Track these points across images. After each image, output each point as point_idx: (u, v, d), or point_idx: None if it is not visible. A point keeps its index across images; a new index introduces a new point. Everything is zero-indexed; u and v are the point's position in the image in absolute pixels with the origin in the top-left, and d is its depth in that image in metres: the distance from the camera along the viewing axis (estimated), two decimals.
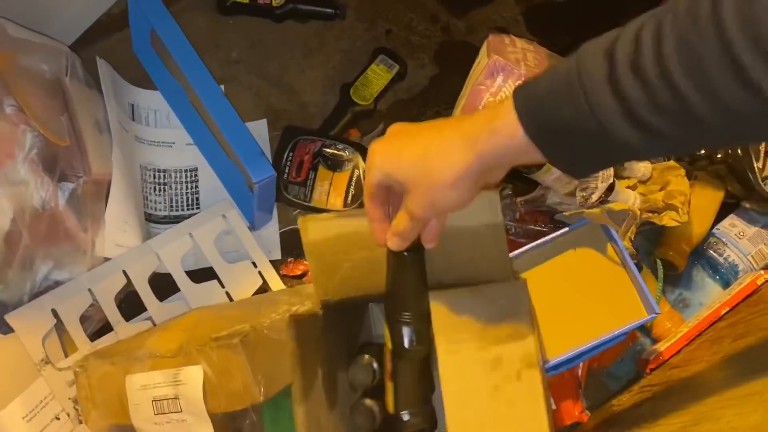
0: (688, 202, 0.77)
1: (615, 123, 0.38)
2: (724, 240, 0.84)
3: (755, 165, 0.80)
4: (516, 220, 0.80)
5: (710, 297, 0.83)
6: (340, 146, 0.84)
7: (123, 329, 0.73)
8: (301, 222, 0.56)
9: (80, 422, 0.68)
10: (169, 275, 0.76)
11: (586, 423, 0.75)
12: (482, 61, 0.78)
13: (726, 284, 0.83)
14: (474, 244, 0.55)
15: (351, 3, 0.94)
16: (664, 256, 0.82)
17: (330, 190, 0.83)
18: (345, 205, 0.83)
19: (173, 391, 0.62)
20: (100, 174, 0.74)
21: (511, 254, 0.72)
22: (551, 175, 0.70)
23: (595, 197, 0.72)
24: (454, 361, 0.52)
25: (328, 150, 0.84)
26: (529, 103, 0.41)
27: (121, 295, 0.74)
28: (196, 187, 0.84)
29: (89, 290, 0.72)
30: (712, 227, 0.85)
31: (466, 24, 0.96)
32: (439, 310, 0.53)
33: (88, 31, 0.86)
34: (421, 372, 0.54)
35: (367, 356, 0.61)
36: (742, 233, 0.83)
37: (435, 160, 0.44)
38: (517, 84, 0.43)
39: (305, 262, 0.81)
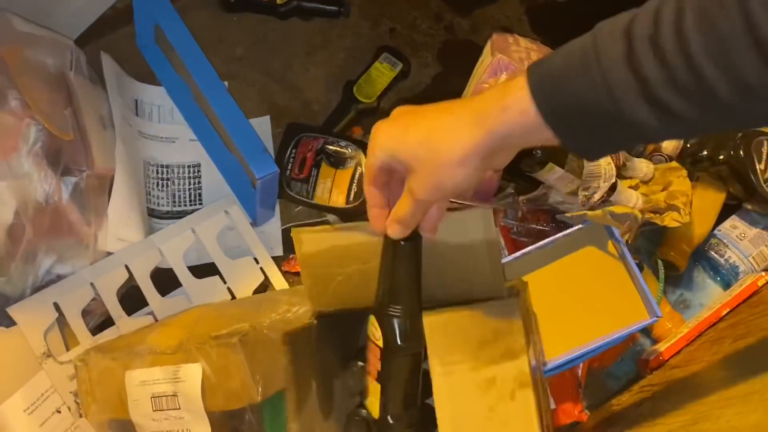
0: (690, 202, 0.77)
1: (631, 102, 0.37)
2: (725, 241, 0.84)
3: (757, 167, 0.80)
4: (518, 218, 0.80)
5: (711, 298, 0.83)
6: (343, 143, 0.84)
7: (124, 323, 0.73)
8: (295, 234, 0.56)
9: (81, 416, 0.68)
10: (171, 270, 0.76)
11: (586, 422, 0.75)
12: (486, 59, 0.78)
13: (727, 285, 0.83)
14: (468, 261, 0.54)
15: (355, 1, 0.95)
16: (665, 256, 0.82)
17: (332, 187, 0.83)
18: (347, 202, 0.83)
19: (172, 388, 0.62)
20: (103, 168, 0.74)
21: (514, 255, 0.72)
22: (554, 174, 0.71)
23: (597, 197, 0.72)
24: (449, 384, 0.52)
25: (331, 147, 0.84)
26: (542, 79, 0.40)
27: (123, 289, 0.75)
28: (199, 182, 0.84)
29: (91, 284, 0.72)
30: (714, 228, 0.85)
31: (469, 23, 0.96)
32: (432, 332, 0.52)
33: (93, 25, 0.87)
34: (412, 371, 0.53)
35: (360, 363, 0.59)
36: (743, 235, 0.84)
37: (442, 138, 0.43)
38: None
39: None
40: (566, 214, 0.75)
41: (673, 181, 0.78)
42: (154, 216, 0.82)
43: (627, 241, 0.72)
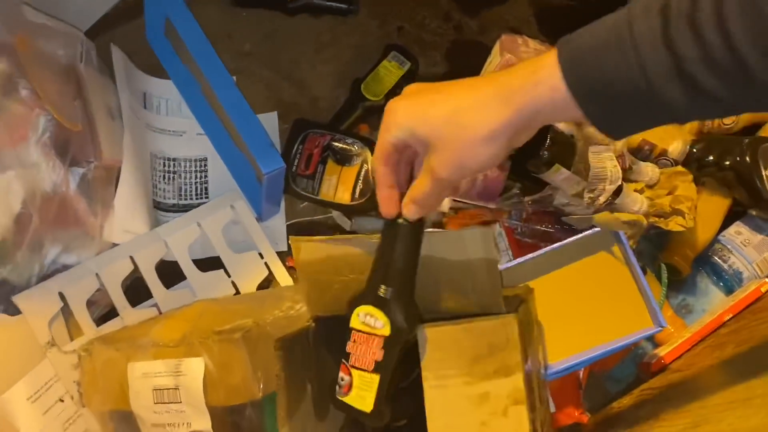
0: (695, 207, 0.77)
1: (664, 80, 0.37)
2: (729, 247, 0.84)
3: (763, 173, 0.80)
4: (522, 219, 0.80)
5: (713, 303, 0.83)
6: (349, 141, 0.84)
7: (128, 315, 0.73)
8: (293, 242, 0.56)
9: (84, 405, 0.69)
10: (175, 263, 0.77)
11: (586, 424, 0.75)
12: (495, 59, 0.78)
13: (729, 291, 0.83)
14: (466, 278, 0.54)
15: None
16: (668, 261, 0.82)
17: (338, 184, 0.83)
18: (352, 199, 0.83)
19: (174, 382, 0.62)
20: (111, 160, 0.74)
21: (521, 259, 0.72)
22: (560, 176, 0.71)
23: (602, 199, 0.72)
24: (441, 397, 0.52)
25: (337, 144, 0.84)
26: (574, 55, 0.39)
27: (127, 281, 0.75)
28: (205, 176, 0.85)
29: (96, 275, 0.72)
30: (718, 234, 0.85)
31: (478, 23, 0.96)
32: (426, 345, 0.52)
33: (103, 18, 0.87)
34: (407, 357, 0.52)
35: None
36: (747, 241, 0.84)
37: (468, 115, 0.41)
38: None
39: None
40: (571, 217, 0.75)
41: (679, 186, 0.78)
42: (160, 209, 0.82)
43: (631, 246, 0.73)
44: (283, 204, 0.84)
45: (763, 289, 0.78)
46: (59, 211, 0.69)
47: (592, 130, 0.73)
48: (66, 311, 0.71)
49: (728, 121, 0.87)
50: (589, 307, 0.72)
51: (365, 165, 0.84)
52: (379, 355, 0.50)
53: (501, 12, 0.97)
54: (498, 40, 0.80)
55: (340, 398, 0.52)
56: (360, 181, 0.83)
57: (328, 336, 0.60)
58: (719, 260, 0.84)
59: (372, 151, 0.83)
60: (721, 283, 0.84)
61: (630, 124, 0.42)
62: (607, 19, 0.40)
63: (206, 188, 0.84)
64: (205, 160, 0.85)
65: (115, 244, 0.74)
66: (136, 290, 0.76)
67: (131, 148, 0.77)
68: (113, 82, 0.80)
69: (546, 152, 0.69)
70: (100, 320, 0.73)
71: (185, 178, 0.84)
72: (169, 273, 0.76)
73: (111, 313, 0.74)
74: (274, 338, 0.57)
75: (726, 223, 0.85)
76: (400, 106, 0.45)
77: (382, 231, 0.50)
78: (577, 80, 0.39)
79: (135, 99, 0.83)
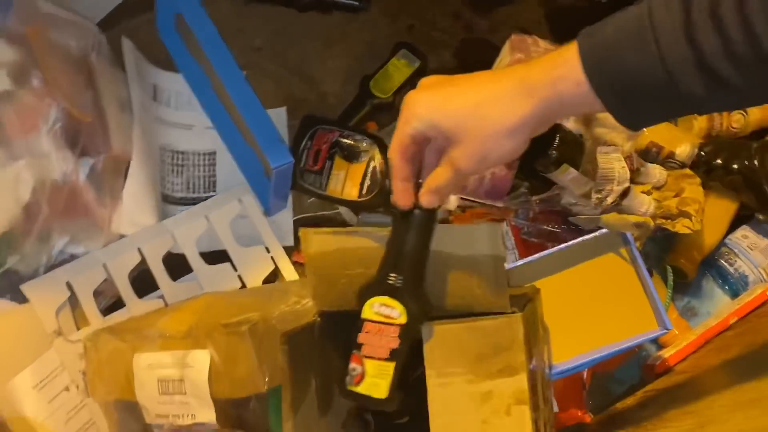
0: (702, 210, 0.77)
1: (685, 72, 0.37)
2: (735, 251, 0.84)
3: None
4: (529, 219, 0.80)
5: (718, 307, 0.83)
6: (357, 137, 0.84)
7: (135, 306, 0.73)
8: (303, 233, 0.56)
9: (89, 395, 0.69)
10: (182, 256, 0.77)
11: (589, 424, 0.75)
12: (504, 59, 0.78)
13: (735, 295, 0.83)
14: (472, 274, 0.54)
15: None
16: (674, 263, 0.82)
17: (345, 180, 0.83)
18: (359, 195, 0.83)
19: (179, 373, 0.62)
20: (120, 151, 0.74)
21: (529, 258, 0.72)
22: (568, 175, 0.71)
23: (610, 200, 0.72)
24: (444, 394, 0.52)
25: (345, 140, 0.84)
26: (595, 49, 0.40)
27: (134, 272, 0.75)
28: (214, 170, 0.85)
29: (104, 266, 0.73)
30: (724, 237, 0.85)
31: (488, 23, 0.96)
32: (431, 342, 0.53)
33: (115, 10, 0.87)
34: (418, 344, 0.53)
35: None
36: (753, 245, 0.84)
37: (492, 108, 0.42)
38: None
39: None
40: (578, 217, 0.75)
41: (686, 188, 0.78)
42: (168, 201, 0.82)
43: (637, 247, 0.73)
44: (290, 199, 0.84)
45: None
46: (68, 202, 0.70)
47: (600, 131, 0.73)
48: (73, 301, 0.71)
49: (737, 124, 0.87)
50: (595, 308, 0.72)
51: (373, 162, 0.84)
52: (395, 343, 0.51)
53: (511, 12, 0.97)
54: (508, 40, 0.80)
55: (350, 388, 0.52)
56: (367, 178, 0.83)
57: (334, 331, 0.60)
58: (725, 264, 0.84)
59: (380, 148, 0.84)
60: (727, 287, 0.84)
61: (650, 117, 0.42)
62: (627, 12, 0.40)
63: (214, 182, 0.84)
64: (214, 153, 0.85)
65: (122, 236, 0.75)
66: (143, 282, 0.76)
67: (141, 140, 0.77)
68: (124, 74, 0.80)
69: (554, 151, 0.70)
70: (107, 311, 0.74)
71: (193, 171, 0.84)
72: (176, 265, 0.77)
73: (117, 304, 0.74)
74: (280, 332, 0.57)
75: (733, 227, 0.85)
76: (420, 99, 0.45)
77: (393, 222, 0.51)
78: (598, 74, 0.40)
79: (145, 92, 0.83)
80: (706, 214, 0.79)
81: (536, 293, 0.66)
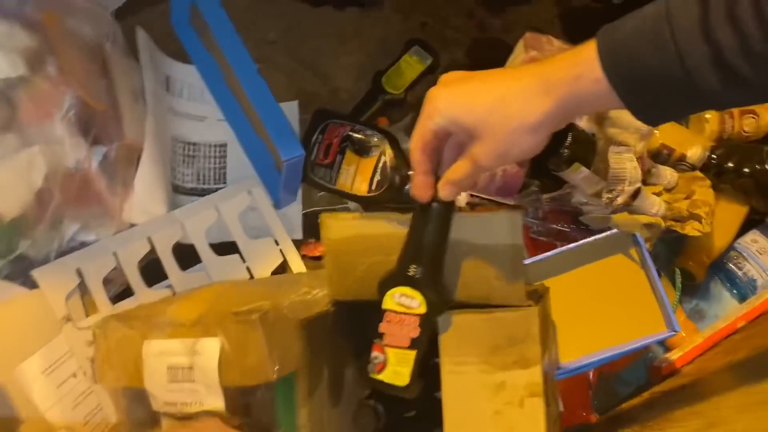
0: (712, 213, 0.77)
1: (703, 69, 0.38)
2: (744, 254, 0.84)
3: None
4: (538, 218, 0.80)
5: (726, 310, 0.83)
6: (368, 132, 0.84)
7: (143, 294, 0.74)
8: (323, 219, 0.56)
9: (96, 382, 0.69)
10: (192, 246, 0.77)
11: (595, 424, 0.75)
12: (518, 57, 0.78)
13: (743, 298, 0.83)
14: (490, 264, 0.54)
15: None
16: (683, 265, 0.82)
17: (356, 174, 0.83)
18: (369, 190, 0.83)
19: (189, 361, 0.62)
20: (133, 141, 0.75)
21: (539, 257, 0.72)
22: (579, 174, 0.71)
23: (620, 200, 0.72)
24: (458, 382, 0.52)
25: (356, 135, 0.84)
26: (614, 47, 0.41)
27: (144, 261, 0.75)
28: (224, 162, 0.85)
29: (114, 254, 0.73)
30: (734, 241, 0.85)
31: (501, 22, 0.97)
32: (447, 332, 0.53)
33: (130, 1, 0.87)
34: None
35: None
36: (763, 249, 0.83)
37: (514, 105, 0.43)
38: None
39: None
40: (588, 216, 0.75)
41: (697, 191, 0.78)
42: (178, 192, 0.82)
43: (648, 249, 0.73)
44: (300, 192, 0.85)
45: None
46: (80, 189, 0.70)
47: (613, 130, 0.73)
48: (82, 288, 0.71)
49: (748, 128, 0.87)
50: (603, 308, 0.72)
51: (383, 157, 0.84)
52: (415, 332, 0.52)
53: (524, 11, 0.97)
54: (522, 38, 0.80)
55: (373, 376, 0.53)
56: (377, 173, 0.84)
57: (347, 322, 0.60)
58: (734, 267, 0.84)
59: (391, 144, 0.84)
60: (735, 290, 0.84)
61: (667, 113, 0.43)
62: (644, 10, 0.41)
63: (224, 174, 0.85)
64: (225, 145, 0.86)
65: (133, 225, 0.75)
66: (152, 271, 0.76)
67: (153, 130, 0.77)
68: (138, 64, 0.81)
69: (566, 150, 0.70)
70: (116, 298, 0.74)
71: (204, 162, 0.84)
72: (185, 255, 0.77)
73: (126, 292, 0.74)
74: (290, 321, 0.57)
75: (742, 231, 0.85)
76: (442, 95, 0.45)
77: (413, 214, 0.52)
78: (616, 72, 0.41)
79: (158, 82, 0.83)
80: (716, 217, 0.79)
81: (546, 291, 0.66)
